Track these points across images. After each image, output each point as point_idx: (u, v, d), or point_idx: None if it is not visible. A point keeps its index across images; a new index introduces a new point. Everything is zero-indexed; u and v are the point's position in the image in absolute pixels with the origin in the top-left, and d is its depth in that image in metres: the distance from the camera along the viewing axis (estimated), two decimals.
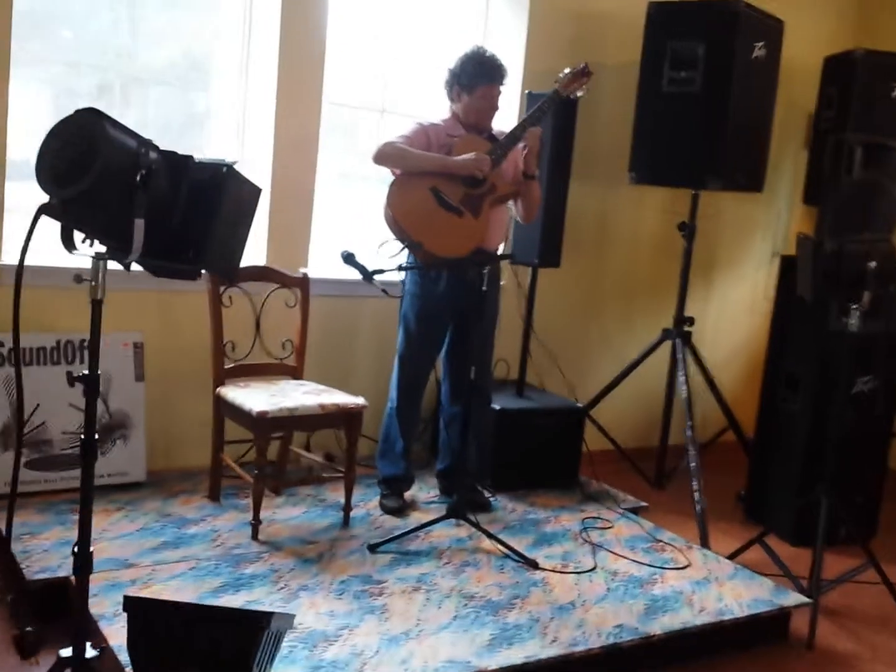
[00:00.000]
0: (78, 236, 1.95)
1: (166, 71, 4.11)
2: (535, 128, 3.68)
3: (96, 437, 2.09)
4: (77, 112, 1.84)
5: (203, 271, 2.08)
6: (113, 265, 2.00)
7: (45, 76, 3.87)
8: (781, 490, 4.38)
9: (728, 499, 4.72)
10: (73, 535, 3.28)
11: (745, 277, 5.71)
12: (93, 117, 1.81)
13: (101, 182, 1.78)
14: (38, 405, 3.62)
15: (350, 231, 4.56)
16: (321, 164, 4.29)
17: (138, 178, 1.84)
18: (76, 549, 2.13)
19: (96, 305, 1.96)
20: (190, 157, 1.99)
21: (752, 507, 4.59)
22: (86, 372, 2.05)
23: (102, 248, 1.97)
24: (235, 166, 2.04)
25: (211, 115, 4.25)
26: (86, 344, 3.73)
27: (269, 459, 3.58)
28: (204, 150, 4.25)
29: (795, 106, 5.39)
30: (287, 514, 3.72)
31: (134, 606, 2.31)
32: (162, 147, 2.01)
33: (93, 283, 1.94)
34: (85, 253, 1.93)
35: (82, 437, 2.06)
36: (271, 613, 2.27)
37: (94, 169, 1.75)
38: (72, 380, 2.01)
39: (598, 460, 4.65)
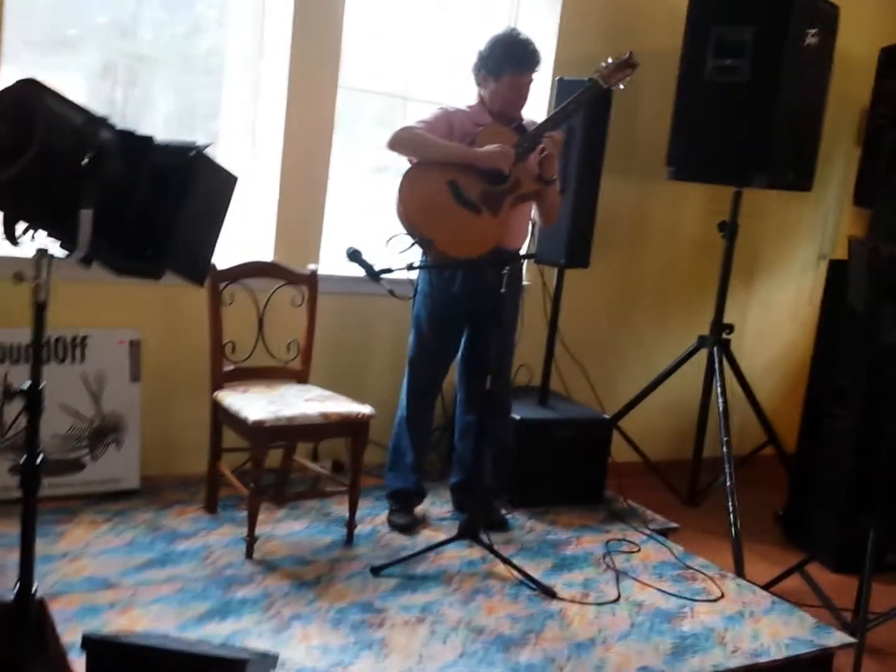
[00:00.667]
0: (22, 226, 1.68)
1: (173, 52, 3.85)
2: (555, 132, 3.37)
3: (39, 460, 1.80)
4: (14, 83, 1.58)
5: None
6: None
7: (41, 59, 3.62)
8: (824, 512, 4.05)
9: (766, 518, 4.41)
10: (57, 549, 3.09)
11: (789, 282, 5.36)
12: (30, 89, 1.54)
13: (39, 165, 1.52)
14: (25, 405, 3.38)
15: (369, 226, 4.28)
16: (343, 153, 4.01)
17: (85, 161, 1.57)
18: (17, 591, 1.86)
19: (39, 309, 1.69)
20: (150, 139, 1.72)
21: (791, 529, 4.27)
22: (27, 385, 1.76)
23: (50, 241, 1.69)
24: (207, 150, 1.76)
25: (221, 99, 3.99)
26: (79, 341, 3.51)
27: (271, 468, 3.33)
28: (212, 136, 4.01)
29: (848, 99, 5.02)
30: (287, 529, 3.46)
31: (94, 647, 2.06)
32: (167, 134, 1.74)
33: (36, 282, 1.67)
34: (28, 247, 1.67)
35: (22, 462, 1.78)
36: (246, 660, 2.00)
37: (30, 150, 1.48)
38: (10, 395, 1.73)
39: (626, 473, 4.34)
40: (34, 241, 1.67)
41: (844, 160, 5.26)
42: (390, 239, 3.16)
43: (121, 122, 1.73)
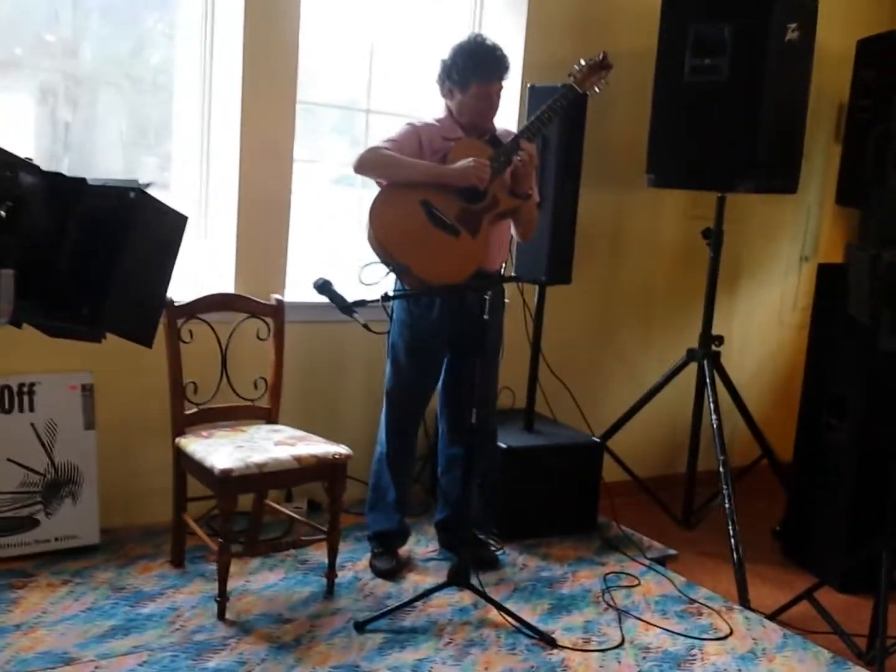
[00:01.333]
0: None
1: (115, 71, 3.58)
2: (528, 144, 3.15)
3: None
4: None
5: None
6: None
7: None
8: (826, 529, 3.85)
9: (762, 533, 4.22)
10: (9, 620, 2.80)
11: (772, 286, 5.18)
12: None
13: None
14: None
15: (336, 245, 4.04)
16: (307, 171, 3.76)
17: (2, 212, 1.32)
18: None
19: None
20: (83, 181, 1.46)
21: (790, 545, 4.08)
22: None
23: None
24: (150, 189, 1.51)
25: (170, 119, 3.73)
26: (26, 388, 3.23)
27: (242, 511, 3.08)
28: (165, 157, 3.75)
29: (825, 94, 4.85)
30: (262, 582, 3.20)
31: None
32: (119, 157, 1.49)
33: None
34: None
35: None
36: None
37: None
38: None
39: (617, 492, 4.13)
40: None
41: (824, 158, 5.10)
42: (363, 268, 2.91)
43: (70, 146, 1.48)
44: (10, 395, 3.21)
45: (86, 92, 3.52)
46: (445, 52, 3.25)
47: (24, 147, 3.40)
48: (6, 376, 3.19)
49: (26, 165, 1.42)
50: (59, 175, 1.48)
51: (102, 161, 3.65)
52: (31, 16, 3.36)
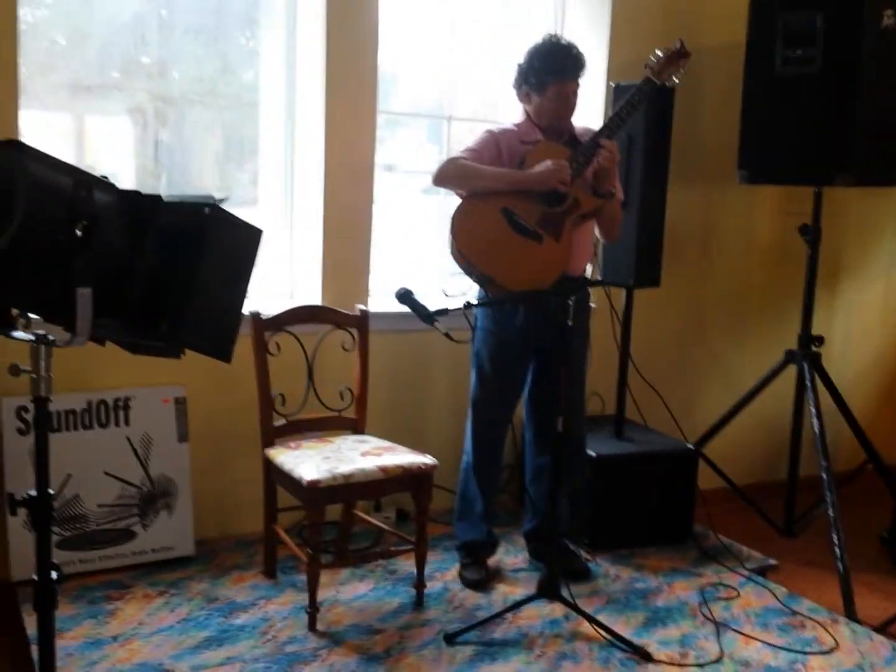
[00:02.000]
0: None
1: (205, 89, 3.65)
2: (609, 141, 3.08)
3: (54, 576, 1.56)
4: None
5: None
6: None
7: (67, 102, 3.45)
8: None
9: (869, 540, 4.02)
10: (106, 631, 2.87)
11: (875, 283, 4.96)
12: (8, 152, 1.31)
13: (24, 241, 1.28)
14: (69, 476, 3.15)
15: (420, 255, 4.04)
16: (396, 181, 3.76)
17: (79, 230, 1.33)
18: None
19: (39, 404, 1.45)
20: (158, 198, 1.47)
21: None
22: (33, 493, 1.51)
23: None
24: (223, 204, 1.51)
25: (256, 137, 3.78)
26: (122, 402, 3.31)
27: (331, 521, 3.10)
28: (253, 174, 3.81)
29: None
30: (352, 593, 3.20)
31: None
32: (211, 175, 1.50)
33: (33, 375, 1.43)
34: (23, 336, 1.43)
35: (36, 580, 1.53)
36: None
37: (11, 225, 1.25)
38: (14, 505, 1.49)
39: (713, 500, 4.00)
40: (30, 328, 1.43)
41: None
42: (448, 280, 2.88)
43: (166, 165, 1.50)
44: (105, 410, 3.29)
45: (177, 111, 3.61)
46: (521, 57, 3.21)
47: (122, 167, 3.54)
48: (102, 391, 3.27)
49: (101, 184, 1.44)
50: (135, 193, 1.49)
51: (197, 178, 3.73)
52: (124, 40, 3.45)
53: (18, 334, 1.46)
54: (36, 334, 1.45)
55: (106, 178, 1.47)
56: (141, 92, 3.51)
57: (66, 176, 1.38)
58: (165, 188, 3.63)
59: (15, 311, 1.44)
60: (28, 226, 1.30)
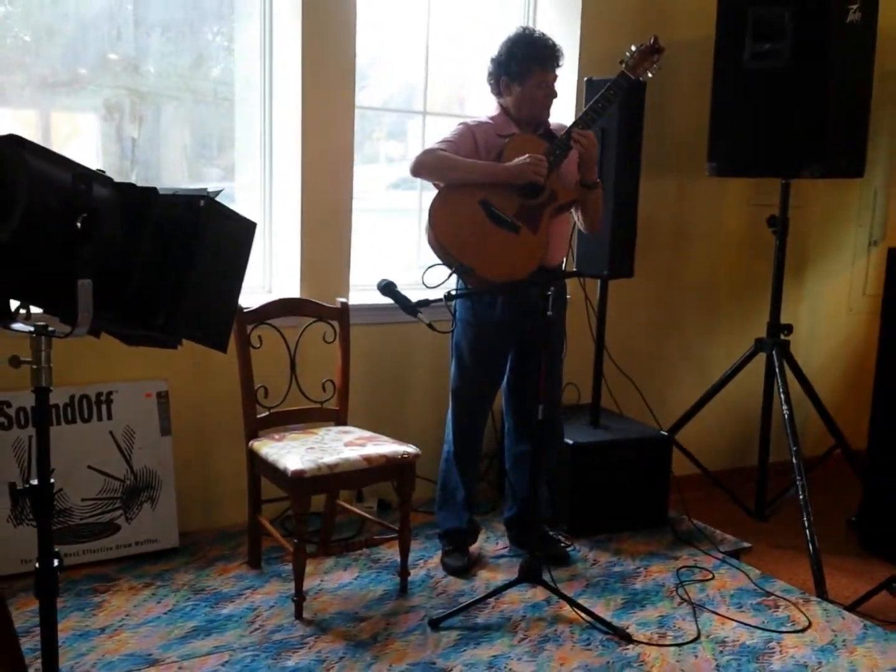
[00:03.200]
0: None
1: (177, 85, 3.66)
2: (584, 131, 3.14)
3: (56, 563, 1.59)
4: None
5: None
6: None
7: (33, 99, 3.44)
8: None
9: (838, 523, 4.13)
10: (93, 623, 2.90)
11: (840, 272, 5.06)
12: (9, 147, 1.34)
13: (25, 234, 1.31)
14: (52, 469, 3.19)
15: (400, 248, 4.09)
16: (368, 174, 3.80)
17: (79, 223, 1.37)
18: None
19: (40, 394, 1.48)
20: (154, 191, 1.51)
21: (866, 535, 3.98)
22: (34, 482, 1.55)
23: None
24: (219, 196, 1.55)
25: (232, 130, 3.80)
26: (104, 397, 3.32)
27: (314, 512, 3.14)
28: (229, 168, 3.83)
29: (889, 75, 4.74)
30: (336, 581, 3.25)
31: None
32: (183, 170, 1.55)
33: (34, 366, 1.46)
34: (23, 328, 1.46)
35: (37, 568, 1.56)
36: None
37: (14, 217, 1.28)
38: (16, 494, 1.52)
39: (687, 486, 4.10)
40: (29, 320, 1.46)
41: (890, 139, 4.97)
42: (426, 270, 2.93)
43: (136, 161, 1.54)
44: (88, 404, 3.30)
45: (150, 107, 3.61)
46: (495, 51, 3.25)
47: (91, 164, 3.54)
48: (84, 386, 3.29)
49: (99, 178, 1.47)
50: (130, 186, 1.53)
51: (167, 174, 3.74)
52: (93, 36, 3.46)
53: (18, 326, 1.49)
54: (36, 326, 1.48)
55: (102, 171, 1.51)
56: (110, 88, 3.51)
57: (65, 170, 1.41)
58: (136, 183, 3.63)
59: (15, 304, 1.47)
60: (29, 219, 1.33)
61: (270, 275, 3.78)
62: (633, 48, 3.23)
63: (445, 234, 3.05)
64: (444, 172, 3.13)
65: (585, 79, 3.86)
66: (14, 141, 1.35)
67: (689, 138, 4.17)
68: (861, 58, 3.81)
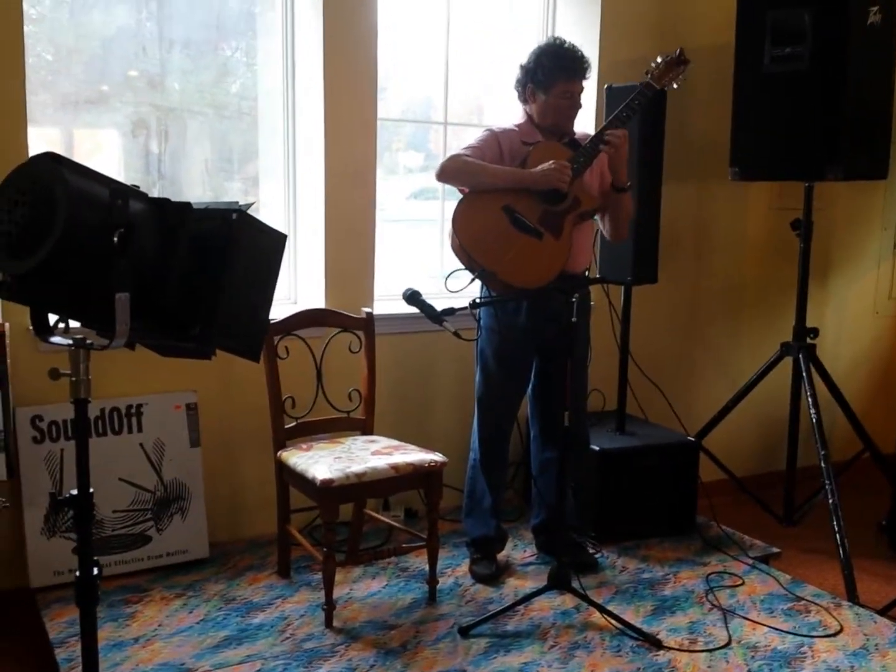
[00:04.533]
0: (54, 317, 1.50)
1: (199, 100, 3.71)
2: (616, 130, 3.15)
3: (95, 572, 1.61)
4: (30, 160, 1.40)
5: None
6: None
7: (55, 117, 3.49)
8: None
9: (868, 527, 4.11)
10: (127, 634, 2.93)
11: (866, 275, 5.04)
12: (47, 164, 1.37)
13: (64, 250, 1.34)
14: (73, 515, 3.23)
15: (423, 258, 4.12)
16: (388, 185, 3.83)
17: (116, 238, 1.39)
18: None
19: (80, 406, 1.51)
20: (187, 205, 1.54)
21: None
22: (75, 492, 1.57)
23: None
24: (251, 210, 1.57)
25: (254, 143, 3.85)
26: (134, 410, 3.36)
27: (342, 521, 3.16)
28: (251, 180, 3.87)
29: None
30: (365, 590, 3.26)
31: None
32: (206, 183, 1.57)
33: (73, 378, 1.49)
34: (61, 341, 1.49)
35: (77, 575, 1.59)
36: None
37: (54, 232, 1.31)
38: (56, 504, 1.55)
39: (715, 492, 4.08)
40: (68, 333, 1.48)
41: None
42: (449, 276, 2.95)
43: (160, 176, 1.57)
44: (119, 417, 3.34)
45: (172, 123, 3.66)
46: (524, 58, 3.28)
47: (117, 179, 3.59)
48: (115, 399, 3.32)
49: (135, 193, 1.50)
50: (165, 200, 1.55)
51: (190, 188, 3.78)
52: (115, 53, 3.51)
53: (56, 339, 1.52)
54: (74, 339, 1.51)
55: (137, 187, 1.53)
56: (132, 105, 3.56)
57: (102, 186, 1.44)
58: None
59: (53, 317, 1.50)
60: (67, 235, 1.36)
61: (296, 286, 3.82)
62: (659, 59, 3.25)
63: (468, 239, 3.06)
64: (469, 178, 3.15)
65: (606, 86, 3.87)
66: (51, 158, 1.38)
67: (711, 143, 4.17)
68: (882, 59, 3.81)
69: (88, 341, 1.52)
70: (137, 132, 3.60)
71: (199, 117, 3.72)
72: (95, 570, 1.61)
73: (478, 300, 2.98)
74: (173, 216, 1.53)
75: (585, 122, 3.81)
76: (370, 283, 3.77)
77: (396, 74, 4.07)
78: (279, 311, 3.40)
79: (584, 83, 3.26)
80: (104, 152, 3.68)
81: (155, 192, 3.65)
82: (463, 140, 3.39)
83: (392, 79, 4.07)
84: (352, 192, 3.68)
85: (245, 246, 1.56)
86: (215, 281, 1.52)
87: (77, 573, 1.61)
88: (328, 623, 2.98)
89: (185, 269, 1.51)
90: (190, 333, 1.50)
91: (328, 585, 2.96)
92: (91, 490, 1.61)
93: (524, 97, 3.29)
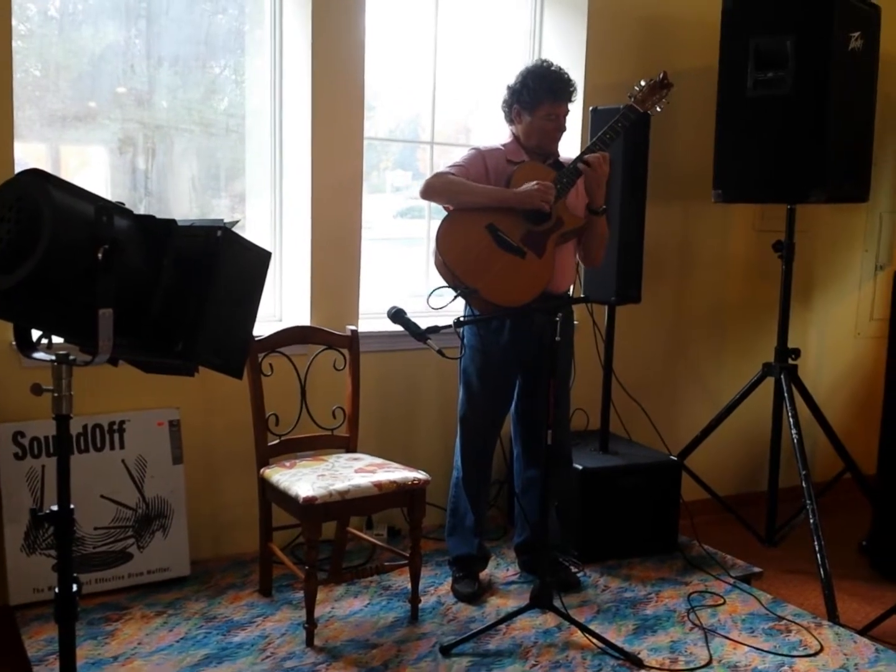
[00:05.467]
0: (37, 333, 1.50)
1: (187, 117, 3.72)
2: (598, 153, 3.17)
3: (75, 589, 1.61)
4: (16, 176, 1.41)
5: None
6: None
7: (43, 133, 3.50)
8: None
9: (849, 548, 4.13)
10: (106, 652, 2.91)
11: (847, 297, 5.09)
12: (33, 180, 1.38)
13: (49, 266, 1.35)
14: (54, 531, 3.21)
15: (409, 276, 4.13)
16: (375, 203, 3.84)
17: (100, 254, 1.40)
18: None
19: (61, 422, 1.51)
20: (172, 222, 1.54)
21: (878, 559, 3.98)
22: (55, 508, 1.57)
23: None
24: (236, 227, 1.58)
25: (241, 161, 3.86)
26: (116, 426, 3.35)
27: (325, 539, 3.15)
28: (239, 197, 3.88)
29: (892, 100, 4.79)
30: (347, 609, 3.25)
31: None
32: (194, 200, 1.57)
33: (55, 394, 1.49)
34: (44, 357, 1.49)
35: (56, 592, 1.58)
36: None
37: (39, 248, 1.32)
38: (37, 519, 1.54)
39: (697, 511, 4.10)
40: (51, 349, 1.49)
41: (894, 164, 5.02)
42: (431, 293, 2.96)
43: (147, 193, 1.58)
44: (101, 434, 3.33)
45: (160, 140, 3.67)
46: (511, 78, 3.31)
47: (103, 196, 3.59)
48: (97, 415, 3.31)
49: (120, 210, 1.51)
50: (150, 217, 1.56)
51: (177, 205, 3.79)
52: (103, 70, 3.52)
53: (39, 355, 1.52)
54: (57, 354, 1.51)
55: (122, 204, 1.54)
56: (120, 121, 3.57)
57: (87, 202, 1.45)
58: None
59: (36, 333, 1.50)
60: (52, 250, 1.36)
61: (281, 303, 3.82)
62: (643, 83, 3.28)
63: (451, 257, 3.08)
64: (453, 195, 3.17)
65: (591, 108, 3.91)
66: (37, 175, 1.38)
67: (695, 166, 4.21)
68: (864, 84, 3.87)
69: (71, 357, 1.52)
70: (124, 149, 3.61)
71: (186, 134, 3.73)
72: (75, 587, 1.60)
73: (461, 319, 3.00)
74: (158, 233, 1.53)
75: (571, 144, 3.85)
76: (355, 300, 3.78)
77: (385, 94, 4.10)
78: (264, 327, 3.41)
79: (570, 106, 3.29)
80: (91, 169, 3.69)
81: (142, 209, 3.66)
82: (450, 159, 3.41)
83: (381, 98, 4.10)
84: (338, 209, 3.69)
85: (229, 263, 1.57)
86: (199, 298, 1.52)
87: (56, 590, 1.60)
88: (309, 642, 2.97)
89: (170, 285, 1.52)
90: (173, 350, 1.50)
91: (309, 604, 2.95)
92: (72, 506, 1.60)
93: (510, 117, 3.32)
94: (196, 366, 1.56)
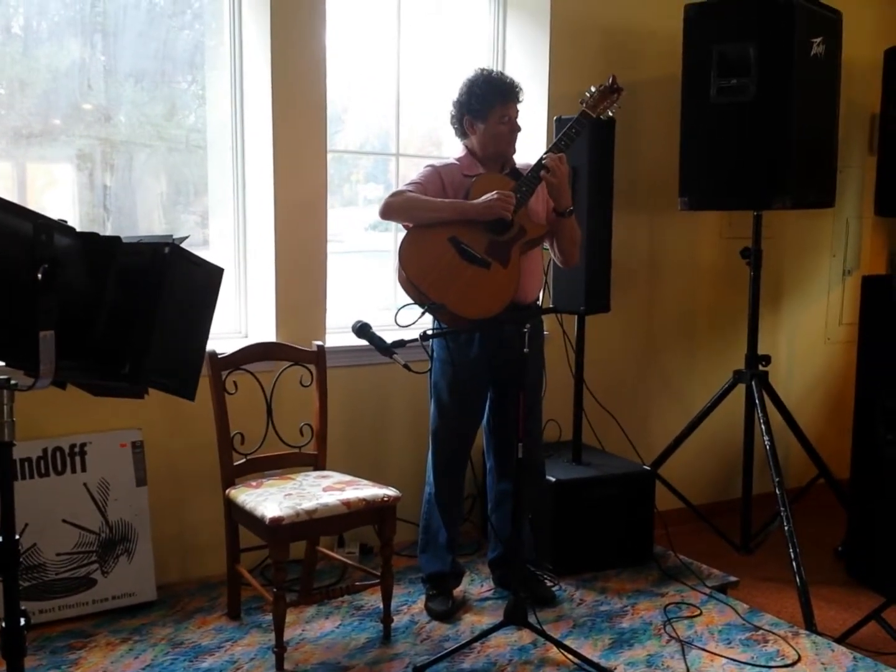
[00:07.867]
0: None
1: (150, 133, 3.66)
2: (553, 154, 3.15)
3: (21, 623, 1.54)
4: None
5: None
6: None
7: (7, 150, 3.43)
8: (890, 545, 3.74)
9: (824, 553, 4.12)
10: None
11: (816, 302, 5.10)
12: None
13: None
14: (26, 525, 3.13)
15: (378, 290, 4.08)
16: (347, 216, 3.79)
17: (40, 274, 1.34)
18: None
19: (3, 450, 1.44)
20: (117, 239, 1.49)
21: (853, 565, 3.97)
22: None
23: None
24: (185, 244, 1.53)
25: (203, 179, 3.80)
26: (78, 448, 3.27)
27: (294, 559, 3.08)
28: (203, 214, 3.82)
29: (856, 106, 4.82)
30: (318, 630, 3.18)
31: None
32: (159, 217, 1.52)
33: None
34: None
35: (3, 628, 1.51)
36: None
37: None
38: None
39: (672, 521, 4.07)
40: None
41: (860, 169, 5.05)
42: (399, 311, 2.91)
43: (111, 210, 1.52)
44: (62, 457, 3.25)
45: (123, 156, 3.61)
46: (455, 93, 3.28)
47: (66, 213, 3.52)
48: (57, 438, 3.23)
49: (61, 227, 1.45)
50: (93, 235, 1.50)
51: (144, 222, 3.72)
52: (66, 86, 3.46)
53: None
54: None
55: (64, 221, 1.48)
56: (84, 138, 3.51)
57: (26, 220, 1.39)
58: (111, 233, 3.61)
59: None
60: None
61: (246, 320, 3.76)
62: (593, 88, 3.27)
63: (415, 273, 3.03)
64: (412, 213, 3.13)
65: (555, 118, 3.89)
66: None
67: (660, 174, 4.20)
68: (827, 89, 3.88)
69: (13, 381, 1.46)
70: (83, 166, 3.54)
71: (150, 150, 3.67)
72: (23, 621, 1.54)
73: (428, 332, 2.95)
74: (102, 251, 1.48)
75: (534, 153, 3.81)
76: (322, 315, 3.73)
77: (354, 107, 4.06)
78: (228, 344, 3.35)
79: (520, 107, 3.26)
80: (57, 186, 3.62)
81: (107, 225, 3.60)
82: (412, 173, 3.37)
83: (350, 112, 4.06)
84: (303, 224, 3.64)
85: (177, 281, 1.51)
86: (146, 317, 1.47)
87: (2, 624, 1.53)
88: (279, 666, 2.90)
89: (115, 305, 1.46)
90: (120, 372, 1.45)
91: (278, 627, 2.89)
92: (18, 536, 1.54)
93: (462, 131, 3.29)
94: (145, 388, 1.50)
